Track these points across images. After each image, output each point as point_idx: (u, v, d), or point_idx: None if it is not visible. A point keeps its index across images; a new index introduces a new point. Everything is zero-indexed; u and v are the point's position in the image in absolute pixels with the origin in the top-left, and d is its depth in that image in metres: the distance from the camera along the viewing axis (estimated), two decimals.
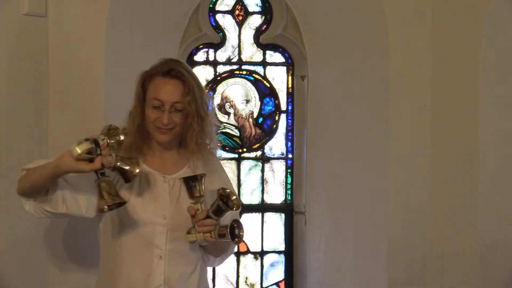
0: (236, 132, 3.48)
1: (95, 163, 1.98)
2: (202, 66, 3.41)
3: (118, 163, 2.06)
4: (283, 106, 3.51)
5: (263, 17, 3.46)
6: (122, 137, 2.08)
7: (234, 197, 2.12)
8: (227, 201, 2.10)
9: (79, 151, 1.99)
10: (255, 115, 3.49)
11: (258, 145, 3.50)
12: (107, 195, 2.02)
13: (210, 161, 2.28)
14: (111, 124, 2.10)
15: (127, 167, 2.07)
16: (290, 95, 3.51)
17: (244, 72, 3.47)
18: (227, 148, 3.44)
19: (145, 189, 2.21)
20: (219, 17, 3.43)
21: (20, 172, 2.18)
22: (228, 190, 2.13)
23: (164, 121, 2.16)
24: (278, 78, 3.52)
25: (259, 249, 3.50)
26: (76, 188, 2.14)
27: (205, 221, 2.10)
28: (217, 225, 2.11)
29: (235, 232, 2.11)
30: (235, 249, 2.47)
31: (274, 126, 3.51)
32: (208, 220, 2.10)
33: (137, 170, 2.08)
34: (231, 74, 3.46)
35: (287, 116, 3.52)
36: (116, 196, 2.04)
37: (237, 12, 3.45)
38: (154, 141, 2.26)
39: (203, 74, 3.42)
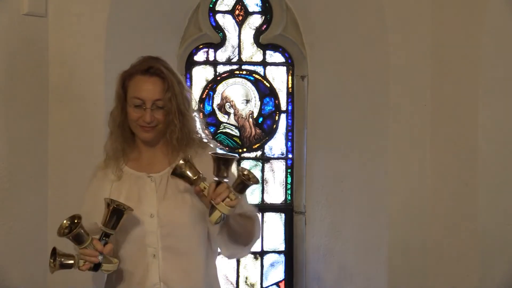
0: (236, 132, 3.48)
1: (108, 252, 2.08)
2: (202, 66, 3.42)
3: (105, 228, 2.07)
4: (283, 106, 3.51)
5: (263, 17, 3.46)
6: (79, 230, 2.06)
7: (251, 175, 2.04)
8: (248, 179, 2.03)
9: (113, 269, 2.09)
10: (255, 115, 3.49)
11: (258, 145, 3.50)
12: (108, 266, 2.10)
13: (204, 154, 2.25)
14: (113, 204, 2.07)
15: (109, 218, 2.07)
16: (290, 95, 3.51)
17: (244, 72, 3.47)
18: (227, 148, 3.44)
19: (132, 192, 2.21)
20: (219, 17, 3.43)
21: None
22: (247, 169, 2.08)
23: (147, 119, 2.16)
24: (278, 78, 3.52)
25: (259, 249, 3.50)
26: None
27: (217, 189, 2.02)
28: (230, 189, 2.02)
29: (245, 176, 2.01)
30: (260, 232, 2.40)
31: (274, 126, 3.51)
32: (219, 187, 2.01)
33: (106, 201, 2.07)
34: (231, 74, 3.46)
35: (287, 116, 3.52)
36: (109, 211, 2.08)
37: (237, 12, 3.45)
38: (137, 140, 2.26)
39: (203, 74, 3.42)
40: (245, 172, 2.05)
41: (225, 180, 2.03)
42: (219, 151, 2.20)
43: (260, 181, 3.50)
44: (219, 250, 2.32)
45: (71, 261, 2.06)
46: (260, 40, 3.45)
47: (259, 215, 2.38)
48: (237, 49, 3.45)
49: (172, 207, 2.18)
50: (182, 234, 2.20)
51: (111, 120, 2.25)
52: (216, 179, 2.03)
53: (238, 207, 2.06)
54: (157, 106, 2.16)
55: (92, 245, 2.04)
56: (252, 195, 3.49)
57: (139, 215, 2.19)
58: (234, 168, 2.15)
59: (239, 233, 2.22)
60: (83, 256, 2.05)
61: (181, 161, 2.06)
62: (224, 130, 3.45)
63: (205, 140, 2.27)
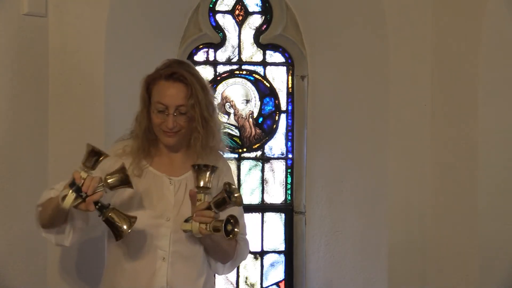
0: (236, 132, 3.48)
1: (87, 207, 2.00)
2: (202, 66, 3.41)
3: (110, 214, 2.06)
4: (283, 106, 3.51)
5: (263, 17, 3.46)
6: (101, 158, 2.04)
7: (238, 194, 2.11)
8: (230, 196, 2.09)
9: (67, 206, 1.99)
10: (255, 115, 3.49)
11: (258, 145, 3.50)
12: (120, 223, 2.05)
13: (216, 164, 2.26)
14: (91, 148, 2.04)
15: (118, 222, 2.06)
16: (290, 95, 3.51)
17: (244, 72, 3.47)
18: (230, 149, 3.44)
19: (150, 191, 2.21)
20: (219, 17, 3.43)
21: (36, 209, 2.20)
22: (234, 186, 2.12)
23: (169, 125, 2.16)
24: (278, 78, 3.52)
25: (259, 249, 3.50)
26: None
27: (204, 212, 2.08)
28: (214, 219, 2.09)
29: (228, 228, 2.07)
30: (246, 257, 2.40)
31: (274, 126, 3.51)
32: (207, 211, 2.08)
33: (128, 230, 2.06)
34: (231, 74, 3.46)
35: (287, 116, 3.52)
36: (127, 219, 2.06)
37: (237, 12, 3.44)
38: (160, 143, 2.26)
39: (203, 74, 3.40)
40: (236, 194, 2.10)
41: (207, 191, 2.11)
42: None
43: (260, 181, 3.51)
44: None
45: (91, 163, 2.02)
46: (260, 40, 3.45)
47: (247, 238, 2.38)
48: (237, 49, 3.45)
49: (185, 214, 2.18)
50: (192, 241, 2.21)
51: (137, 124, 2.24)
52: (213, 207, 2.09)
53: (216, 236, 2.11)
54: (180, 112, 2.16)
55: (90, 179, 1.99)
56: (252, 195, 3.49)
57: (157, 216, 2.19)
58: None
59: (215, 252, 2.26)
60: (89, 179, 1.99)
61: (213, 166, 2.12)
62: (224, 130, 3.44)
63: (220, 152, 2.31)
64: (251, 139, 3.49)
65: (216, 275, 2.48)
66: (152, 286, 2.18)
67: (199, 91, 2.17)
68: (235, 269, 3.45)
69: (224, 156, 2.39)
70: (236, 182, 3.37)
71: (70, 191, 1.98)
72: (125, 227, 2.05)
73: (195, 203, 2.12)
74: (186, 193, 2.19)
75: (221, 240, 2.17)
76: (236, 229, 2.08)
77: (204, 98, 2.19)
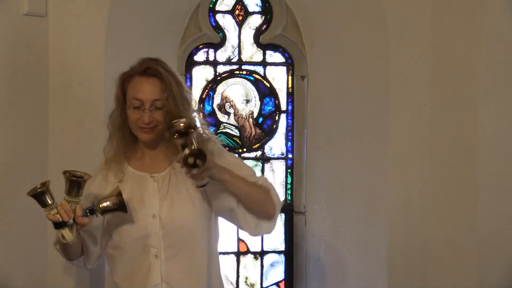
0: (236, 132, 3.48)
1: (82, 223, 2.09)
2: (202, 66, 3.41)
3: (100, 207, 2.11)
4: (283, 106, 3.51)
5: (263, 17, 3.46)
6: (83, 183, 2.08)
7: (176, 121, 2.04)
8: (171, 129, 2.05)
9: (71, 240, 2.08)
10: (255, 115, 3.49)
11: (258, 145, 3.50)
12: (113, 204, 2.12)
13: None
14: (70, 176, 2.07)
15: (112, 207, 2.12)
16: (290, 95, 3.51)
17: (244, 72, 3.47)
18: (227, 148, 3.44)
19: (134, 193, 2.22)
20: (219, 17, 3.43)
21: (54, 247, 2.32)
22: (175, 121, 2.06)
23: (145, 120, 2.16)
24: (278, 78, 3.52)
25: (259, 249, 3.50)
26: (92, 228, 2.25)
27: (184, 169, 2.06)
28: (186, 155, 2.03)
29: (190, 160, 2.02)
30: (278, 196, 2.32)
31: (274, 126, 3.51)
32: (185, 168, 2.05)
33: (123, 200, 2.12)
34: (231, 74, 3.46)
35: (287, 116, 3.52)
36: (113, 197, 2.13)
37: (237, 12, 3.44)
38: (139, 142, 2.26)
39: (203, 74, 3.42)
40: (170, 126, 2.04)
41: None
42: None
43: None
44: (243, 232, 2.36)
45: (49, 201, 2.06)
46: (260, 40, 3.45)
47: (269, 184, 2.32)
48: (237, 49, 3.45)
49: (174, 207, 2.19)
50: (184, 234, 2.20)
51: (110, 122, 2.25)
52: (181, 150, 2.03)
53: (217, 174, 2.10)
54: (156, 106, 2.16)
55: (61, 207, 2.04)
56: None
57: (141, 215, 2.20)
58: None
59: (249, 203, 2.22)
60: (60, 208, 2.05)
61: (191, 125, 2.05)
62: (224, 130, 3.45)
63: (204, 136, 2.27)
64: (251, 139, 3.49)
65: (214, 272, 2.44)
66: (147, 285, 2.18)
67: (173, 85, 2.18)
68: (235, 269, 3.46)
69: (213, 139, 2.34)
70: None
71: (61, 231, 2.06)
72: (117, 201, 2.11)
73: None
74: (170, 187, 2.19)
75: (248, 187, 2.18)
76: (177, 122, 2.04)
77: (179, 93, 2.19)
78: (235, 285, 3.47)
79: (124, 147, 2.24)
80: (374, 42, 3.20)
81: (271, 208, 2.26)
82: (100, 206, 2.11)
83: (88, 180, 2.10)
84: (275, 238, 3.52)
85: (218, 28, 3.41)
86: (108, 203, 2.11)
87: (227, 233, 3.34)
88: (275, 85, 3.51)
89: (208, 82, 3.42)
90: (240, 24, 3.45)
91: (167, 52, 3.09)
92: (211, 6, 3.39)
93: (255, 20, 3.46)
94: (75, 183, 2.06)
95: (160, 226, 2.19)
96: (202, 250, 2.25)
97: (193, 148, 2.02)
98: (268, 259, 3.52)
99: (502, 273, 2.97)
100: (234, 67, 3.46)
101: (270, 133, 3.51)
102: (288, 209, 3.51)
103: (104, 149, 2.29)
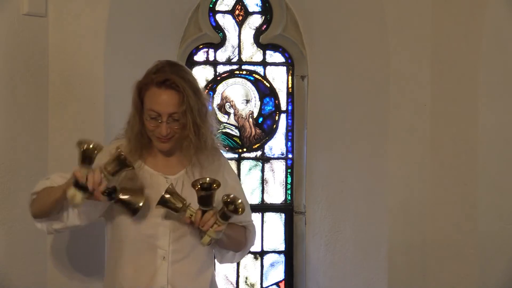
0: (236, 132, 3.48)
1: (98, 199, 2.07)
2: (202, 66, 3.41)
3: (120, 195, 2.11)
4: (283, 106, 3.51)
5: (263, 17, 3.46)
6: (96, 152, 2.07)
7: (239, 201, 2.12)
8: (233, 205, 2.10)
9: (78, 203, 2.05)
10: (255, 115, 3.49)
11: (258, 145, 3.50)
12: (132, 199, 2.12)
13: (212, 163, 2.26)
14: (84, 147, 2.07)
15: (130, 200, 2.12)
16: (290, 95, 3.51)
17: (244, 72, 3.47)
18: (227, 148, 3.44)
19: (147, 191, 2.21)
20: (219, 17, 3.43)
21: (30, 196, 2.23)
22: (232, 196, 2.13)
23: (163, 133, 2.15)
24: (278, 78, 3.52)
25: (259, 249, 3.49)
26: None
27: (204, 218, 2.10)
28: (216, 213, 2.11)
29: (230, 208, 2.10)
30: (254, 239, 2.42)
31: (274, 126, 3.51)
32: (206, 215, 2.10)
33: (141, 203, 2.12)
34: (231, 74, 3.46)
35: (287, 116, 3.52)
36: (137, 193, 2.14)
37: (237, 12, 3.44)
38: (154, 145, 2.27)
39: (203, 74, 3.42)
40: (230, 202, 2.11)
41: (184, 207, 2.11)
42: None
43: (260, 181, 3.51)
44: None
45: (89, 163, 2.06)
46: (260, 40, 3.45)
47: (254, 222, 2.43)
48: (237, 49, 3.45)
49: None
50: (192, 239, 2.21)
51: (129, 128, 2.23)
52: (201, 207, 2.10)
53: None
54: (173, 118, 2.15)
55: (93, 174, 2.03)
56: (252, 195, 3.49)
57: (152, 214, 2.19)
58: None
59: (230, 244, 2.29)
60: (92, 174, 2.04)
61: (166, 194, 2.10)
62: (224, 130, 3.45)
63: (216, 145, 2.29)
64: (251, 139, 3.49)
65: (213, 276, 2.45)
66: (153, 286, 2.18)
67: (191, 97, 2.14)
68: (235, 269, 3.46)
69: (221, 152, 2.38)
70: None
71: (76, 190, 2.02)
72: (137, 201, 2.11)
73: (191, 223, 2.14)
74: (183, 191, 2.19)
75: (233, 231, 2.22)
76: (237, 201, 2.10)
77: (197, 103, 2.16)
78: (235, 285, 3.47)
79: (141, 149, 2.24)
80: (374, 42, 3.20)
81: (240, 247, 2.36)
82: (120, 196, 2.11)
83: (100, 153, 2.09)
84: (275, 238, 3.52)
85: (218, 28, 3.41)
86: (127, 197, 2.11)
87: None
88: (275, 85, 3.51)
89: (208, 82, 3.42)
90: (240, 24, 3.45)
91: (167, 52, 3.09)
92: (211, 6, 3.39)
93: (255, 20, 3.46)
94: (87, 154, 2.06)
95: (171, 228, 2.19)
96: (207, 256, 2.27)
97: (215, 237, 2.12)
98: (268, 259, 3.52)
99: (502, 273, 2.97)
100: (234, 67, 3.46)
101: (270, 133, 3.51)
102: (288, 209, 3.51)
103: (121, 147, 2.27)
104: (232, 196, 2.12)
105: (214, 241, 2.15)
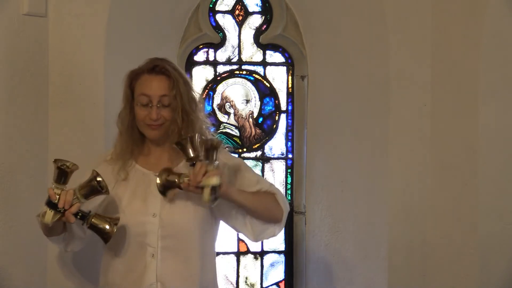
0: (236, 132, 3.48)
1: (67, 219, 2.09)
2: (202, 66, 3.41)
3: (93, 221, 2.12)
4: (283, 106, 3.51)
5: (263, 17, 3.46)
6: (69, 173, 2.10)
7: (214, 137, 2.16)
8: (209, 143, 2.12)
9: (48, 222, 2.09)
10: (255, 115, 3.49)
11: (258, 145, 3.50)
12: (104, 226, 2.12)
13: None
14: (58, 165, 2.10)
15: (102, 228, 2.13)
16: (290, 95, 3.51)
17: (244, 72, 3.47)
18: (226, 147, 3.43)
19: (138, 190, 2.23)
20: (219, 17, 3.43)
21: (36, 219, 2.27)
22: (205, 138, 2.17)
23: (153, 116, 2.18)
24: (278, 78, 3.52)
25: (259, 249, 3.49)
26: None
27: (194, 171, 2.10)
28: (202, 161, 2.11)
29: (207, 144, 2.11)
30: (287, 201, 2.39)
31: (274, 126, 3.51)
32: (194, 168, 2.10)
33: (112, 233, 2.12)
34: (231, 74, 3.46)
35: (287, 116, 3.52)
36: (111, 221, 2.13)
37: (237, 12, 3.44)
38: (146, 141, 2.28)
39: (203, 74, 3.42)
40: (204, 141, 2.12)
41: (199, 158, 2.11)
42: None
43: None
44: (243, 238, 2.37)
45: (63, 183, 2.08)
46: (260, 40, 3.45)
47: (276, 189, 2.37)
48: (237, 49, 3.45)
49: (175, 209, 2.20)
50: (182, 236, 2.21)
51: (120, 121, 2.27)
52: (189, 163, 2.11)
53: (238, 184, 2.20)
54: (163, 104, 2.19)
55: (65, 193, 2.06)
56: None
57: (142, 213, 2.20)
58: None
59: (257, 213, 2.26)
60: (64, 194, 2.06)
61: (189, 136, 2.12)
62: (224, 130, 3.45)
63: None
64: (251, 139, 3.49)
65: (215, 276, 2.44)
66: (142, 283, 2.19)
67: (181, 84, 2.21)
68: (235, 269, 3.46)
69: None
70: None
71: (48, 208, 2.07)
72: (108, 228, 2.12)
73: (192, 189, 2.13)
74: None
75: (260, 197, 2.23)
76: (211, 138, 2.14)
77: (186, 92, 2.22)
78: (235, 285, 3.47)
79: (132, 145, 2.27)
80: (374, 42, 3.20)
81: (278, 213, 2.32)
82: (92, 221, 2.12)
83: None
84: (275, 238, 3.51)
85: (218, 28, 3.41)
86: (99, 224, 2.13)
87: (227, 233, 3.33)
88: (275, 85, 3.51)
89: (208, 82, 3.42)
90: (240, 24, 3.45)
91: (167, 52, 3.09)
92: (211, 6, 3.39)
93: (255, 20, 3.46)
94: (62, 172, 2.09)
95: (160, 225, 2.20)
96: (198, 254, 2.27)
97: (213, 182, 2.08)
98: (268, 259, 3.52)
99: (502, 273, 2.97)
100: (234, 67, 3.46)
101: (270, 133, 3.51)
102: None
103: (115, 146, 2.31)
104: (205, 138, 2.15)
105: (216, 195, 2.10)
